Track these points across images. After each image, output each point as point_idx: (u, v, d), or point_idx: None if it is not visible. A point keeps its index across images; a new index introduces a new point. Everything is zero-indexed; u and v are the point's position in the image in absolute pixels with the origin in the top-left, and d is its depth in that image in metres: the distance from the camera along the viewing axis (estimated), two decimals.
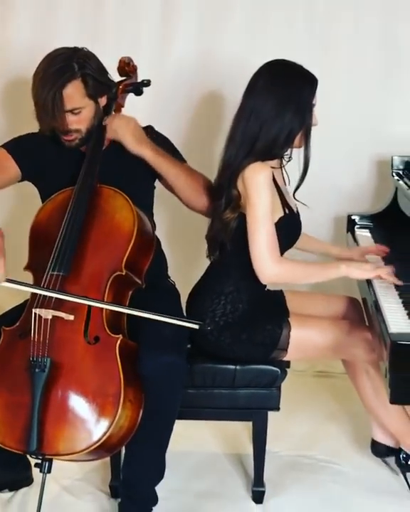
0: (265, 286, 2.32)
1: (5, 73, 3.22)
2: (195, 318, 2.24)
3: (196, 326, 2.12)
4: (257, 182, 2.10)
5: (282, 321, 2.23)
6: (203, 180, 2.38)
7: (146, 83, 2.45)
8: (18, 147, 2.37)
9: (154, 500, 2.20)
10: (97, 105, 2.29)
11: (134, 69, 2.44)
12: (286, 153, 2.23)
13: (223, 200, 2.19)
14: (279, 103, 2.13)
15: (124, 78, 2.42)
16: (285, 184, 2.32)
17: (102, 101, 2.31)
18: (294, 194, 2.30)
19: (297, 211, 2.32)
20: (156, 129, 2.47)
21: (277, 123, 2.13)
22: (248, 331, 2.21)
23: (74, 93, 2.20)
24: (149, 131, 2.43)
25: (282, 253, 2.22)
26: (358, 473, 2.50)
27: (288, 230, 2.24)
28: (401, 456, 2.41)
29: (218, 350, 2.25)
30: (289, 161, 2.24)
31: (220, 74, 3.16)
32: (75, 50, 2.25)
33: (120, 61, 2.42)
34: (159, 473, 2.18)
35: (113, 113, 2.36)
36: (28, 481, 2.41)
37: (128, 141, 2.27)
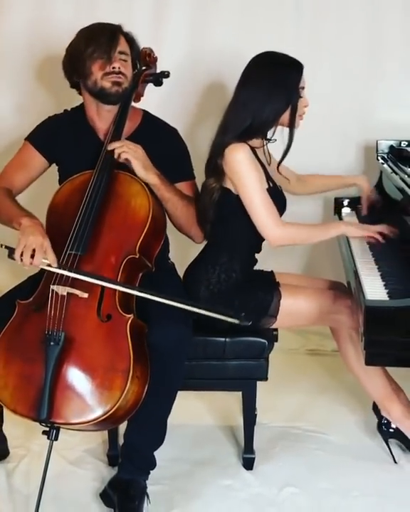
0: (255, 258, 2.45)
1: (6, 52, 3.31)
2: (191, 287, 2.36)
3: (236, 321, 2.19)
4: (238, 160, 2.25)
5: (273, 289, 2.35)
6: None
7: (167, 74, 2.52)
8: (40, 137, 2.48)
9: (152, 464, 2.29)
10: (132, 71, 2.41)
11: (155, 60, 2.52)
12: (269, 135, 2.36)
13: (210, 170, 2.33)
14: (266, 89, 2.29)
15: (144, 68, 2.49)
16: (268, 164, 2.43)
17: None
18: (278, 167, 2.42)
19: (281, 189, 2.44)
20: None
21: (266, 107, 2.28)
22: (240, 298, 2.33)
23: (123, 41, 2.39)
24: (174, 136, 2.50)
25: None
26: (344, 442, 2.62)
27: (274, 202, 2.35)
28: (382, 422, 2.51)
29: (211, 319, 2.34)
30: (273, 141, 2.36)
31: (212, 64, 3.25)
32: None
33: (142, 51, 2.49)
34: (160, 438, 2.28)
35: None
36: (3, 455, 2.51)
37: (136, 165, 2.29)
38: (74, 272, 2.15)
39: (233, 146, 2.27)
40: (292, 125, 2.34)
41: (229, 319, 2.20)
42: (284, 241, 2.32)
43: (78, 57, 2.35)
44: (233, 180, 2.29)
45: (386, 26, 3.22)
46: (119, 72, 2.35)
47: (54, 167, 2.54)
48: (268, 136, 2.38)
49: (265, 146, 2.41)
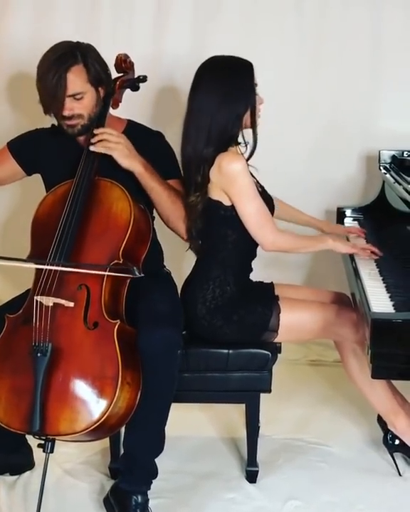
0: (250, 267, 2.43)
1: (2, 68, 3.31)
2: (188, 306, 2.35)
3: (133, 275, 2.16)
4: (236, 170, 2.22)
5: (272, 303, 2.33)
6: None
7: (143, 79, 2.52)
8: (18, 145, 2.50)
9: (153, 473, 2.26)
10: (98, 94, 2.39)
11: (131, 65, 2.51)
12: (239, 138, 2.32)
13: (192, 188, 2.30)
14: (222, 92, 2.26)
15: (121, 74, 2.49)
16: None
17: (101, 92, 2.41)
18: (247, 160, 2.32)
19: (263, 188, 2.42)
20: (150, 124, 2.55)
21: (224, 110, 2.25)
22: (239, 313, 2.31)
23: (76, 78, 2.32)
24: (157, 138, 2.51)
25: None
26: (347, 454, 2.60)
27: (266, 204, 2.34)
28: (388, 435, 2.48)
29: (211, 333, 2.35)
30: (246, 145, 2.33)
31: None
32: (78, 42, 2.39)
33: (117, 58, 2.48)
34: (158, 446, 2.25)
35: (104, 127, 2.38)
36: (30, 465, 2.50)
37: (117, 155, 2.30)
38: (49, 265, 2.15)
39: (228, 156, 2.24)
40: (254, 125, 2.31)
41: (124, 275, 2.18)
42: (277, 247, 2.32)
43: (39, 95, 2.36)
44: (228, 190, 2.26)
45: (388, 35, 3.23)
46: (71, 116, 2.35)
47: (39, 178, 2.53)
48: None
49: (242, 151, 2.36)
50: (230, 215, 2.30)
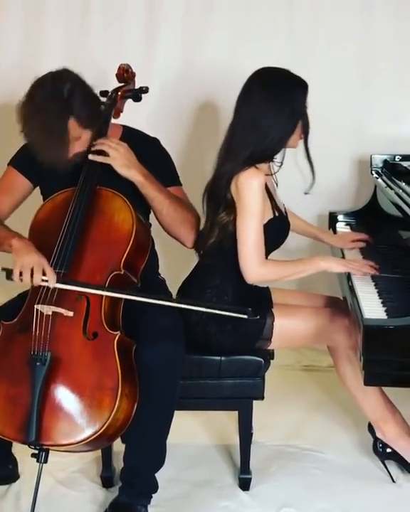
0: None
1: None
2: (183, 311, 2.30)
3: (245, 316, 2.16)
4: (250, 186, 2.19)
5: (266, 311, 2.32)
6: (187, 213, 2.42)
7: (145, 90, 2.51)
8: (20, 161, 2.47)
9: (154, 487, 2.26)
10: (93, 130, 2.32)
11: (133, 76, 2.51)
12: (276, 159, 2.30)
13: (222, 204, 2.27)
14: (273, 109, 2.21)
15: (122, 84, 2.48)
16: (275, 188, 2.39)
17: (95, 127, 2.34)
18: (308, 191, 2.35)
19: (285, 213, 2.40)
20: (141, 127, 2.54)
21: (272, 128, 2.21)
22: (232, 322, 2.29)
23: (71, 131, 2.24)
24: (155, 144, 2.49)
25: (270, 252, 2.33)
26: (340, 460, 2.59)
27: (277, 231, 2.33)
28: (378, 443, 2.47)
29: (205, 340, 2.34)
30: (280, 166, 2.31)
31: (204, 81, 3.25)
32: (58, 88, 2.22)
33: (119, 68, 2.48)
34: (159, 460, 2.25)
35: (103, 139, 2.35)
36: (14, 478, 2.47)
37: (116, 164, 2.29)
38: (71, 284, 2.13)
39: (250, 172, 2.20)
40: (307, 148, 2.29)
41: (236, 315, 2.18)
42: (261, 279, 2.29)
43: (34, 150, 2.28)
44: (237, 202, 2.23)
45: (378, 40, 3.23)
46: (72, 159, 2.31)
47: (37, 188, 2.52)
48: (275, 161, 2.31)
49: (273, 173, 2.35)
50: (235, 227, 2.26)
